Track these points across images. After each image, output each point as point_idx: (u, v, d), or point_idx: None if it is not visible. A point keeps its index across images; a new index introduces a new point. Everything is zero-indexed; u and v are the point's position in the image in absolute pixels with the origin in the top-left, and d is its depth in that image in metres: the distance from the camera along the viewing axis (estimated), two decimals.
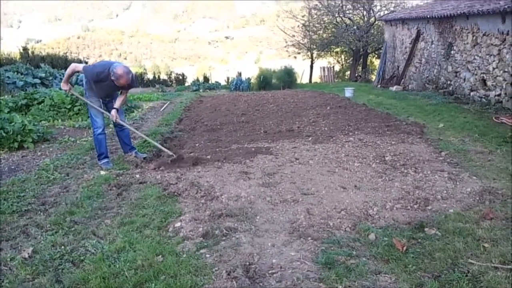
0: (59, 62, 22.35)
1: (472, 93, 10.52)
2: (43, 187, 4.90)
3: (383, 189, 4.50)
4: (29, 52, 22.76)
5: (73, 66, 5.67)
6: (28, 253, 3.26)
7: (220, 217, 3.83)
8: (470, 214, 3.77)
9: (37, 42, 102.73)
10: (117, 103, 5.83)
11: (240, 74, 24.25)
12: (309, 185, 4.65)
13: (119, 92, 5.85)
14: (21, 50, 22.60)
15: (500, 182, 4.57)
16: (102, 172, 5.38)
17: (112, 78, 5.37)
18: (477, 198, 4.17)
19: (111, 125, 6.90)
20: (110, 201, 4.42)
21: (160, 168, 5.48)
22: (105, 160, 5.78)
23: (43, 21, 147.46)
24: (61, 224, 3.82)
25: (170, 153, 5.83)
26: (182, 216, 3.91)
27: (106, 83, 5.50)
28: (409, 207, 4.04)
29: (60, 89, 7.13)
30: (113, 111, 5.78)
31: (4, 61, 20.42)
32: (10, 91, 13.65)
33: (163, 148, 6.06)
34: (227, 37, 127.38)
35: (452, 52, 11.64)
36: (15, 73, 15.48)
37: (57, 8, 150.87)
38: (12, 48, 25.97)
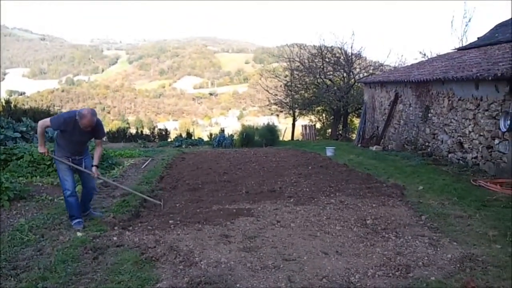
0: (41, 116, 22.21)
1: (450, 155, 10.77)
2: (16, 250, 4.72)
3: (364, 255, 4.47)
4: (12, 105, 22.71)
5: (41, 124, 5.62)
6: None
7: (199, 285, 3.72)
8: (452, 283, 3.74)
9: (21, 94, 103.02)
10: (95, 160, 5.90)
11: (223, 130, 24.50)
12: (290, 250, 4.59)
13: (95, 144, 5.88)
14: (3, 103, 22.55)
15: (480, 248, 4.58)
16: (79, 234, 5.23)
17: (77, 118, 5.38)
18: (458, 265, 4.15)
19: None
20: (85, 266, 4.27)
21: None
22: (77, 220, 5.65)
23: (28, 74, 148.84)
24: None
25: (158, 202, 5.85)
26: (159, 283, 3.79)
27: (73, 131, 5.48)
28: (390, 274, 3.99)
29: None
30: (94, 168, 5.86)
31: None
32: None
33: (149, 198, 6.06)
34: (211, 94, 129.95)
35: (430, 115, 12.01)
36: None
37: (43, 63, 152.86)
38: None
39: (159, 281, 3.85)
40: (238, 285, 3.75)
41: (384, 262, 4.25)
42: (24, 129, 15.79)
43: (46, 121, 5.64)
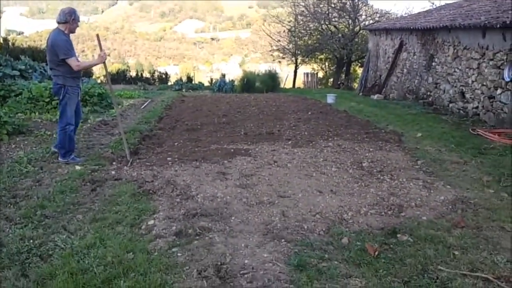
0: (40, 55, 21.80)
1: (451, 105, 10.70)
2: (15, 180, 4.79)
3: (358, 194, 4.53)
4: (9, 43, 22.27)
5: (76, 66, 5.42)
6: None
7: (195, 217, 3.80)
8: (442, 222, 3.82)
9: (19, 34, 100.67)
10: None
11: (224, 75, 24.23)
12: (285, 188, 4.66)
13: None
14: (1, 41, 22.12)
15: (473, 192, 4.64)
16: (77, 167, 5.29)
17: (73, 18, 5.78)
18: (450, 206, 4.23)
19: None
20: (83, 197, 4.35)
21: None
22: (74, 155, 5.69)
23: (26, 14, 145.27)
24: (31, 218, 3.74)
25: (129, 158, 5.67)
26: (156, 214, 3.87)
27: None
28: (383, 213, 4.07)
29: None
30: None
31: None
32: None
33: (127, 150, 5.82)
34: (212, 39, 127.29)
35: (433, 63, 11.83)
36: None
37: (41, 2, 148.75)
38: None
39: (155, 212, 3.93)
40: (233, 218, 3.83)
41: (377, 202, 4.32)
42: (23, 67, 15.55)
43: (71, 61, 5.36)
